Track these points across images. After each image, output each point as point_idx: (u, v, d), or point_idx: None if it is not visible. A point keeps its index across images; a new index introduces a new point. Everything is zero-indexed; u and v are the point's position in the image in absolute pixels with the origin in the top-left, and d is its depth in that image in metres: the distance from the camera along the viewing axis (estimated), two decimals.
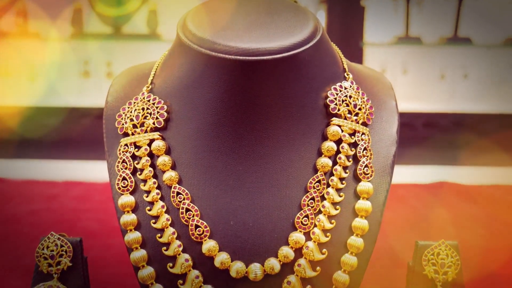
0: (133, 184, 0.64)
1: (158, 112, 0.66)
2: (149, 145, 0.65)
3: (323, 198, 0.63)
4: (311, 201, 0.62)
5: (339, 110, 0.65)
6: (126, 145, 0.65)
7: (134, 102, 0.67)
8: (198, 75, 0.64)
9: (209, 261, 0.61)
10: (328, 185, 0.63)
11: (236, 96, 0.62)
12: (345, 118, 0.65)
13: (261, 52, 0.61)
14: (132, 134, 0.65)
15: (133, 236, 0.62)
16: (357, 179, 0.64)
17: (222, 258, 0.60)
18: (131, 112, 0.66)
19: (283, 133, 0.64)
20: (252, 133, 0.63)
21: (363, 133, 0.65)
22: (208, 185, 0.63)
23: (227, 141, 0.63)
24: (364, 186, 0.63)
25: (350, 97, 0.66)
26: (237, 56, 0.61)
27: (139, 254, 0.61)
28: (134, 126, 0.66)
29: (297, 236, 0.61)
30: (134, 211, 0.63)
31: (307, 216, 0.62)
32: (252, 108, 0.63)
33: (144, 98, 0.67)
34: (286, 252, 0.60)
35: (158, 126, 0.65)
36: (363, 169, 0.64)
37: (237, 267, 0.60)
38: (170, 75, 0.67)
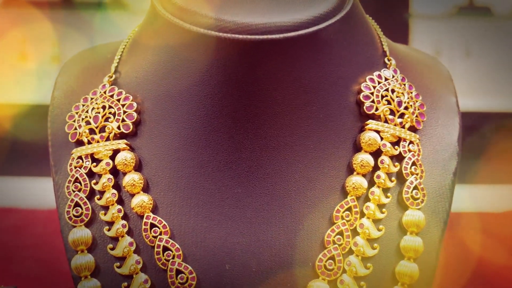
0: (90, 212, 0.64)
1: (125, 112, 0.66)
2: (113, 157, 0.65)
3: (355, 232, 0.63)
4: (339, 236, 0.62)
5: (377, 109, 0.65)
6: (80, 157, 0.65)
7: (92, 98, 0.67)
8: (181, 61, 0.64)
9: None
10: (363, 215, 0.63)
11: (234, 91, 0.63)
12: (386, 121, 0.65)
13: (269, 28, 0.61)
14: (89, 142, 0.65)
15: (90, 285, 0.62)
16: (403, 207, 0.64)
17: None
18: (87, 112, 0.66)
19: (300, 141, 0.64)
20: (255, 141, 0.64)
21: (410, 142, 0.65)
22: (195, 214, 0.63)
23: (221, 153, 0.64)
24: (413, 216, 0.63)
25: (393, 91, 0.66)
26: (236, 34, 0.61)
27: None
28: (92, 131, 0.66)
29: (319, 286, 0.61)
30: (91, 251, 0.63)
31: (332, 258, 0.62)
32: (256, 108, 0.63)
33: (105, 92, 0.67)
34: None
35: (125, 132, 0.65)
36: (411, 192, 0.64)
37: None
38: (142, 60, 0.67)
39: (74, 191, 0.65)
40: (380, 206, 0.64)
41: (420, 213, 0.64)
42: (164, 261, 0.62)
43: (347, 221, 0.63)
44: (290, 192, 0.64)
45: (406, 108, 0.66)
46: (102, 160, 0.65)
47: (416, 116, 0.67)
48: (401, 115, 0.66)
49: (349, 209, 0.63)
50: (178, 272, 0.62)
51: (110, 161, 0.65)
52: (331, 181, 0.64)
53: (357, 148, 0.65)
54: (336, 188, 0.64)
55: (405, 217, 0.64)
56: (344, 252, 0.62)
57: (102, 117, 0.66)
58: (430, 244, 0.63)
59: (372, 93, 0.66)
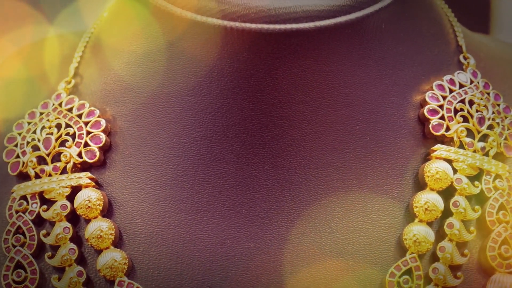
0: (37, 277, 0.63)
1: (89, 132, 0.66)
2: (71, 198, 0.64)
3: None
4: None
5: (448, 129, 0.65)
6: (24, 198, 0.65)
7: (41, 114, 0.68)
8: (170, 61, 0.65)
9: None
10: (429, 281, 0.62)
11: (244, 103, 0.63)
12: (462, 146, 0.65)
13: (295, 15, 0.62)
14: (37, 176, 0.65)
15: None
16: (487, 270, 0.63)
17: None
18: (34, 132, 0.67)
19: (337, 175, 0.64)
20: (274, 175, 0.64)
21: (497, 176, 0.65)
22: (188, 281, 0.62)
23: (226, 192, 0.64)
24: (502, 283, 0.62)
25: (472, 103, 0.66)
26: (247, 23, 0.61)
27: None
28: (41, 160, 0.66)
29: None
30: None
31: None
32: (276, 127, 0.63)
33: (60, 105, 0.68)
34: None
35: (89, 161, 0.65)
36: (499, 248, 0.63)
37: None
38: (113, 60, 0.68)
39: (14, 246, 0.64)
40: (454, 269, 0.63)
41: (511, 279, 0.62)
42: None
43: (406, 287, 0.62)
44: (324, 248, 0.63)
45: (490, 127, 0.66)
46: (56, 201, 0.64)
47: (505, 139, 0.66)
48: (484, 138, 0.66)
49: (408, 272, 0.62)
50: None
51: (68, 203, 0.64)
52: (382, 232, 0.64)
53: (420, 185, 0.65)
54: (389, 242, 0.64)
55: (490, 284, 0.62)
56: None
57: (56, 140, 0.66)
58: None
59: (441, 106, 0.66)
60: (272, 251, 0.63)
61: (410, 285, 0.62)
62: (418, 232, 0.63)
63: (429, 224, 0.63)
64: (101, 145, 0.66)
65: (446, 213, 0.64)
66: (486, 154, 0.65)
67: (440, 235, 0.64)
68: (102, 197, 0.64)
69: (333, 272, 0.63)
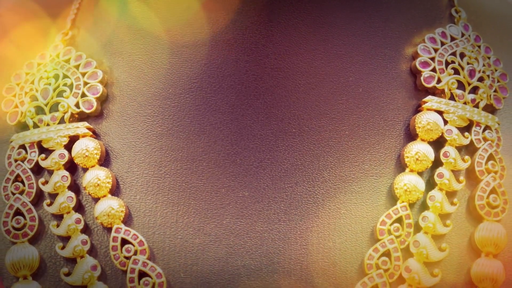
0: (36, 223, 0.63)
1: (86, 83, 0.66)
2: (69, 147, 0.64)
3: (407, 253, 0.62)
4: (385, 258, 0.61)
5: (440, 81, 0.65)
6: (22, 147, 0.65)
7: (39, 64, 0.67)
8: (168, 11, 0.64)
9: None
10: (418, 229, 0.62)
11: (239, 55, 0.63)
12: (452, 97, 0.65)
13: None
14: (35, 125, 0.65)
15: None
16: (475, 218, 0.63)
17: None
18: (32, 83, 0.66)
19: (330, 126, 0.64)
20: (268, 126, 0.64)
21: (487, 127, 0.65)
22: (183, 227, 0.63)
23: (221, 142, 0.64)
24: (490, 231, 0.62)
25: (463, 56, 0.66)
26: None
27: None
28: (40, 110, 0.66)
29: None
30: (38, 277, 0.63)
31: (375, 287, 0.61)
32: (270, 78, 0.63)
33: (58, 56, 0.67)
34: None
35: (87, 111, 0.65)
36: (487, 197, 0.63)
37: None
38: (112, 10, 0.67)
39: (14, 194, 0.63)
40: (443, 217, 0.63)
41: (499, 227, 0.62)
42: None
43: (396, 237, 0.62)
44: (317, 196, 0.63)
45: (481, 79, 0.65)
46: (54, 150, 0.64)
47: (495, 91, 0.66)
48: (474, 90, 0.65)
49: (399, 220, 0.62)
50: None
51: (65, 152, 0.64)
52: (373, 182, 0.64)
53: (411, 136, 0.64)
54: (381, 191, 0.64)
55: (478, 232, 0.62)
56: (392, 280, 0.61)
57: (54, 90, 0.65)
58: None
59: (432, 59, 0.65)
60: (266, 200, 0.63)
61: (400, 233, 0.62)
62: (409, 182, 0.63)
63: (420, 174, 0.63)
64: (98, 95, 0.65)
65: (437, 163, 0.64)
66: (476, 106, 0.65)
67: (430, 185, 0.63)
68: (99, 146, 0.64)
69: (325, 220, 0.63)
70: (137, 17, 0.66)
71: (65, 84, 0.66)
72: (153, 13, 0.65)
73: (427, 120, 0.64)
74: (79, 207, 0.64)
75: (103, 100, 0.66)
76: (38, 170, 0.65)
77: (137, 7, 0.66)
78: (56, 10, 0.72)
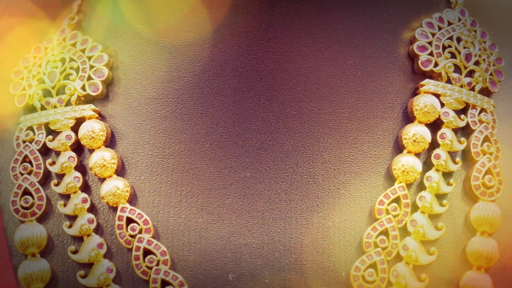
0: (44, 203, 0.63)
1: (92, 66, 0.66)
2: (75, 129, 0.64)
3: (404, 232, 0.62)
4: (382, 237, 0.61)
5: (437, 65, 0.65)
6: (30, 128, 0.65)
7: (46, 48, 0.67)
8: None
9: None
10: (415, 208, 0.62)
11: (241, 40, 0.63)
12: (449, 81, 0.65)
13: None
14: (43, 108, 0.65)
15: None
16: (471, 198, 0.64)
17: None
18: (40, 66, 0.66)
19: (330, 108, 0.64)
20: (269, 108, 0.64)
21: (482, 110, 0.65)
22: (187, 206, 0.63)
23: (224, 124, 0.64)
24: (485, 210, 0.62)
25: (459, 40, 0.66)
26: None
27: None
28: (47, 93, 0.66)
29: None
30: (46, 255, 0.63)
31: (374, 265, 0.61)
32: (271, 62, 0.63)
33: (65, 40, 0.67)
34: None
35: (93, 94, 0.65)
36: (483, 178, 0.63)
37: None
38: None
39: (22, 174, 0.64)
40: (440, 197, 0.63)
41: (494, 207, 0.62)
42: (145, 268, 0.61)
43: (394, 216, 0.62)
44: (317, 177, 0.63)
45: (477, 63, 0.65)
46: (61, 132, 0.64)
47: (491, 75, 0.66)
48: (470, 73, 0.65)
49: (397, 200, 0.62)
50: (165, 283, 0.61)
51: (72, 134, 0.64)
52: (372, 163, 0.64)
53: (409, 118, 0.64)
54: (379, 171, 0.64)
55: (474, 211, 0.63)
56: (390, 258, 0.61)
57: (61, 73, 0.65)
58: (508, 250, 0.63)
59: (430, 43, 0.65)
60: (267, 180, 0.63)
61: (398, 212, 0.62)
62: (406, 163, 0.62)
63: (417, 155, 0.63)
64: (103, 78, 0.65)
65: (433, 144, 0.64)
66: (472, 89, 0.65)
67: (427, 166, 0.63)
68: (105, 128, 0.64)
69: (325, 200, 0.63)
70: (142, 1, 0.66)
71: (71, 68, 0.66)
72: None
73: (424, 102, 0.63)
74: (85, 187, 0.64)
75: (109, 83, 0.66)
76: (45, 151, 0.65)
77: None
78: (55, 11, 0.71)
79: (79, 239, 0.63)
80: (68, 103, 0.65)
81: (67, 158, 0.64)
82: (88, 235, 0.62)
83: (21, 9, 0.71)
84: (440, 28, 0.66)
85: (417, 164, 0.63)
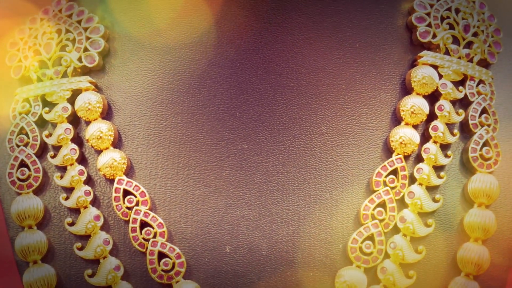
0: (40, 175, 0.63)
1: (88, 38, 0.65)
2: (72, 101, 0.64)
3: (402, 204, 0.62)
4: (380, 209, 0.61)
5: (435, 36, 0.64)
6: (26, 100, 0.65)
7: (42, 19, 0.67)
8: None
9: None
10: (413, 180, 0.62)
11: (242, 6, 0.62)
12: (447, 52, 0.64)
13: None
14: (39, 79, 0.65)
15: (41, 273, 0.61)
16: (469, 169, 0.63)
17: None
18: (35, 37, 0.66)
19: (327, 80, 0.64)
20: (266, 79, 0.63)
21: (480, 81, 0.64)
22: (184, 178, 0.63)
23: (221, 96, 0.63)
24: (482, 182, 0.62)
25: (458, 11, 0.65)
26: None
27: None
28: (43, 64, 0.65)
29: (352, 276, 0.60)
30: (42, 227, 0.63)
31: (371, 237, 0.61)
32: (268, 33, 0.63)
33: (60, 11, 0.67)
34: None
35: (89, 66, 0.65)
36: (480, 150, 0.63)
37: None
38: None
39: (18, 146, 0.63)
40: (437, 169, 0.63)
41: (492, 179, 0.62)
42: (142, 240, 0.61)
43: (392, 188, 0.62)
44: (314, 149, 0.63)
45: (475, 34, 0.65)
46: (58, 104, 0.64)
47: (489, 46, 0.65)
48: (469, 45, 0.65)
49: (394, 172, 0.62)
50: (161, 255, 0.61)
51: (69, 106, 0.64)
52: (369, 135, 0.63)
53: (407, 89, 0.64)
54: (376, 143, 0.63)
55: (471, 183, 0.62)
56: (387, 230, 0.61)
57: (57, 44, 0.65)
58: (505, 221, 0.63)
59: (428, 14, 0.64)
60: (264, 152, 0.63)
61: (395, 184, 0.62)
62: (404, 134, 0.62)
63: (415, 127, 0.63)
64: (100, 50, 0.65)
65: (431, 116, 0.63)
66: (471, 60, 0.65)
67: (425, 138, 0.63)
68: (101, 100, 0.63)
69: (322, 172, 0.62)
70: None
71: (67, 39, 0.65)
72: None
73: (422, 74, 0.63)
74: (82, 159, 0.64)
75: (105, 54, 0.66)
76: (42, 123, 0.64)
77: None
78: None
79: (75, 211, 0.63)
80: (64, 75, 0.65)
81: (64, 130, 0.63)
82: (85, 207, 0.62)
83: None
84: None
85: (415, 136, 0.62)
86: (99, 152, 0.63)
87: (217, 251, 0.61)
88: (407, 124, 0.63)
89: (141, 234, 0.61)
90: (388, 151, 0.63)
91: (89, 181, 0.63)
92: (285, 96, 0.63)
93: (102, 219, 0.62)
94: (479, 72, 0.65)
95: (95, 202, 0.63)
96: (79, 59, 0.65)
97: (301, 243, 0.61)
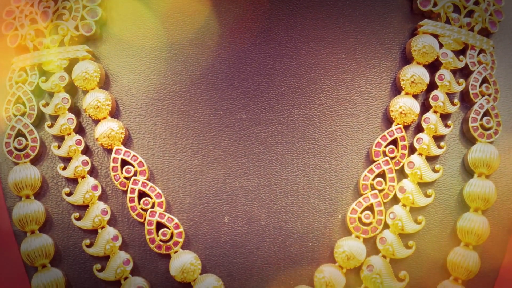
0: (38, 144, 0.63)
1: (85, 6, 0.64)
2: (69, 69, 0.63)
3: (401, 174, 0.62)
4: (379, 179, 0.61)
5: (435, 4, 0.64)
6: (23, 69, 0.64)
7: None
8: None
9: None
10: (413, 150, 0.62)
11: None
12: (448, 21, 0.64)
13: None
14: (36, 48, 0.64)
15: (39, 243, 0.61)
16: (469, 139, 0.63)
17: (207, 286, 0.60)
18: (32, 6, 0.65)
19: (327, 49, 0.63)
20: (265, 49, 0.63)
21: (481, 51, 0.64)
22: (182, 148, 0.63)
23: (220, 65, 0.63)
24: (483, 152, 0.62)
25: None
26: None
27: (49, 277, 0.61)
28: (39, 33, 0.65)
29: (351, 246, 0.60)
30: (40, 197, 0.63)
31: (370, 208, 0.61)
32: (272, 1, 0.62)
33: None
34: (330, 276, 0.60)
35: (86, 34, 0.64)
36: (481, 119, 0.63)
37: None
38: None
39: (15, 115, 0.63)
40: (437, 139, 0.62)
41: (492, 148, 0.62)
42: (140, 211, 0.61)
43: (391, 158, 0.61)
44: (313, 119, 0.62)
45: (476, 3, 0.64)
46: (55, 73, 0.63)
47: (490, 15, 0.65)
48: (469, 13, 0.64)
49: (394, 142, 0.62)
50: (160, 225, 0.60)
51: (66, 75, 0.63)
52: (369, 104, 0.63)
53: (407, 59, 0.64)
54: (376, 113, 0.63)
55: (471, 153, 0.62)
56: (387, 200, 0.61)
57: (54, 13, 0.64)
58: (505, 191, 0.63)
59: None
60: (263, 122, 0.62)
61: (395, 154, 0.61)
62: (404, 104, 0.62)
63: (415, 96, 0.63)
64: (97, 18, 0.64)
65: (432, 85, 0.63)
66: (472, 29, 0.64)
67: (425, 107, 0.63)
68: (99, 69, 0.63)
69: (321, 142, 0.62)
70: None
71: (64, 7, 0.64)
72: None
73: (422, 43, 0.63)
74: (79, 129, 0.63)
75: (102, 23, 0.65)
76: (39, 92, 0.64)
77: None
78: None
79: (73, 181, 0.63)
80: (61, 44, 0.64)
81: (61, 100, 0.63)
82: (83, 177, 0.62)
83: None
84: None
85: (415, 106, 0.62)
86: (96, 122, 0.63)
87: (216, 221, 0.61)
88: (407, 93, 0.63)
89: (139, 204, 0.61)
90: (388, 121, 0.63)
91: (86, 151, 0.63)
92: (284, 66, 0.63)
93: (100, 189, 0.62)
94: (480, 41, 0.64)
95: (92, 172, 0.63)
96: (76, 28, 0.64)
97: (300, 213, 0.61)
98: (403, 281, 0.60)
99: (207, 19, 0.63)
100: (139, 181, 0.61)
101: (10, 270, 0.86)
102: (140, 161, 0.62)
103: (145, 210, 0.61)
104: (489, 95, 0.63)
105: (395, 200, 0.62)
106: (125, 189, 0.62)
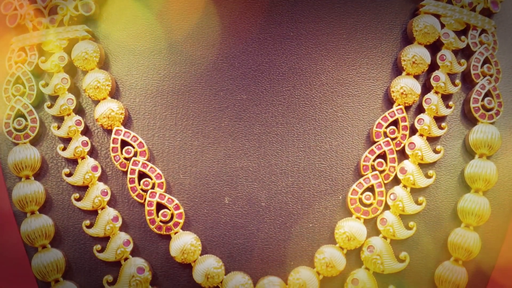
0: (37, 125, 0.62)
1: None
2: (68, 50, 0.63)
3: (402, 155, 0.62)
4: (380, 160, 0.61)
5: None
6: (22, 49, 0.64)
7: None
8: None
9: (183, 273, 0.61)
10: (414, 131, 0.62)
11: None
12: (449, 1, 0.63)
13: None
14: (35, 28, 0.64)
15: (39, 223, 0.61)
16: (470, 120, 0.63)
17: (207, 267, 0.60)
18: None
19: (328, 29, 0.63)
20: (267, 29, 0.63)
21: (483, 31, 0.64)
22: (182, 129, 0.62)
23: (224, 42, 0.62)
24: (484, 132, 0.61)
25: None
26: None
27: (49, 258, 0.61)
28: (39, 12, 0.64)
29: (351, 227, 0.60)
30: (40, 177, 0.63)
31: (371, 189, 0.61)
32: None
33: None
34: (330, 257, 0.60)
35: (86, 14, 0.64)
36: (482, 100, 0.62)
37: (236, 285, 0.61)
38: None
39: (15, 96, 0.63)
40: (438, 120, 0.62)
41: (494, 129, 0.62)
42: (141, 191, 0.61)
43: (392, 139, 0.61)
44: (314, 100, 0.62)
45: None
46: (54, 53, 0.63)
47: None
48: None
49: (395, 122, 0.61)
50: (160, 206, 0.60)
51: (65, 55, 0.63)
52: (370, 84, 0.63)
53: (408, 39, 0.63)
54: (377, 94, 0.63)
55: (473, 134, 0.62)
56: (388, 181, 0.61)
57: None
58: (506, 172, 0.63)
59: None
60: (264, 103, 0.62)
61: (396, 135, 0.61)
62: (405, 85, 0.62)
63: (416, 77, 0.62)
64: None
65: (433, 66, 0.63)
66: (473, 9, 0.64)
67: (427, 88, 0.63)
68: (98, 49, 0.63)
69: (322, 123, 0.62)
70: None
71: None
72: None
73: (424, 23, 0.62)
74: (79, 110, 0.63)
75: (102, 3, 0.64)
76: (38, 73, 0.64)
77: None
78: None
79: (73, 162, 0.63)
80: (60, 24, 0.64)
81: (60, 80, 0.63)
82: (83, 158, 0.62)
83: None
84: None
85: (416, 86, 0.62)
86: (96, 102, 0.63)
87: (216, 202, 0.61)
88: (408, 74, 0.62)
89: (139, 185, 0.61)
90: (389, 101, 0.63)
91: (86, 131, 0.63)
92: (285, 46, 0.62)
93: (100, 170, 0.62)
94: (481, 21, 0.64)
95: (92, 152, 0.63)
96: (76, 8, 0.64)
97: (301, 194, 0.61)
98: (404, 262, 0.60)
99: (207, 0, 0.62)
100: (139, 161, 0.61)
101: (10, 250, 0.86)
102: (140, 142, 0.62)
103: (145, 191, 0.61)
104: (491, 75, 0.63)
105: (396, 181, 0.62)
106: (125, 169, 0.62)
